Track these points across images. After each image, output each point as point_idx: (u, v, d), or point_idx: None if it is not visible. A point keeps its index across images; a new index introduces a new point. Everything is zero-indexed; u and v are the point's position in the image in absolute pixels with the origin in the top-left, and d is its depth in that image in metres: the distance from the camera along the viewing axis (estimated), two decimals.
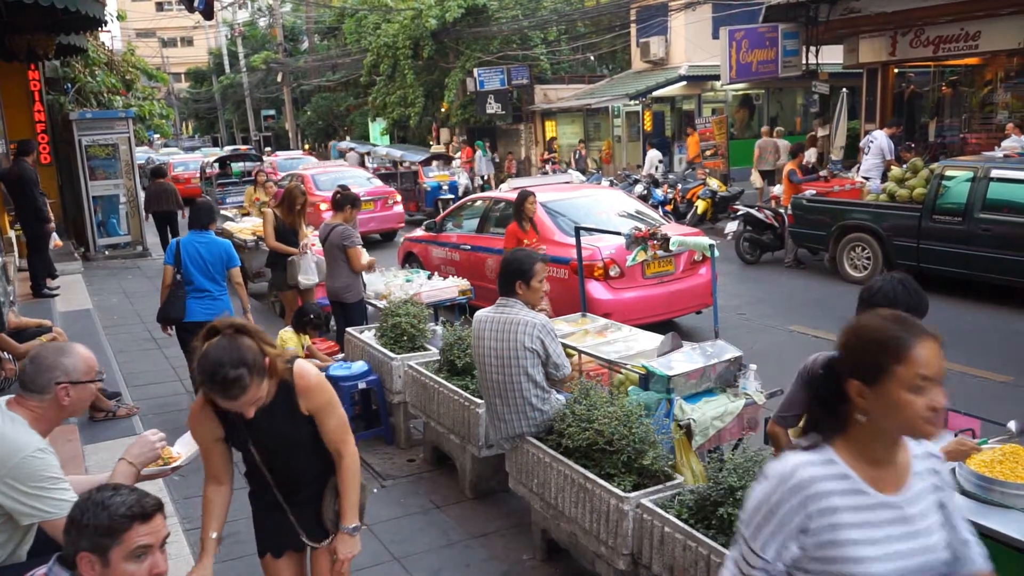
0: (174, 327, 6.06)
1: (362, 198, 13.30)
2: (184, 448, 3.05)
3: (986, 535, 2.90)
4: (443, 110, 27.97)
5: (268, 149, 34.94)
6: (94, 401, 5.26)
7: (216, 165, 19.74)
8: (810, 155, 14.12)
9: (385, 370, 5.61)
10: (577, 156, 22.45)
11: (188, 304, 5.87)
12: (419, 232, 10.06)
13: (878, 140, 12.47)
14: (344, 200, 6.76)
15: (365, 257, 6.69)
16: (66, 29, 10.62)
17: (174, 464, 2.97)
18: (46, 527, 2.60)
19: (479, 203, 9.65)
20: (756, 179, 17.04)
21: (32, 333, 5.86)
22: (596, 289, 7.29)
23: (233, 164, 19.87)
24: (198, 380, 2.54)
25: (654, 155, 18.50)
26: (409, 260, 10.08)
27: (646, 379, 4.15)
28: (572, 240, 7.44)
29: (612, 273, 7.28)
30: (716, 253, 5.28)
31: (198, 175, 23.75)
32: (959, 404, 4.34)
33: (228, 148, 33.06)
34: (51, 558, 2.07)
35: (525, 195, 7.52)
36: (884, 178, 11.82)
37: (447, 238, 9.39)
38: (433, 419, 5.11)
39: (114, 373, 6.60)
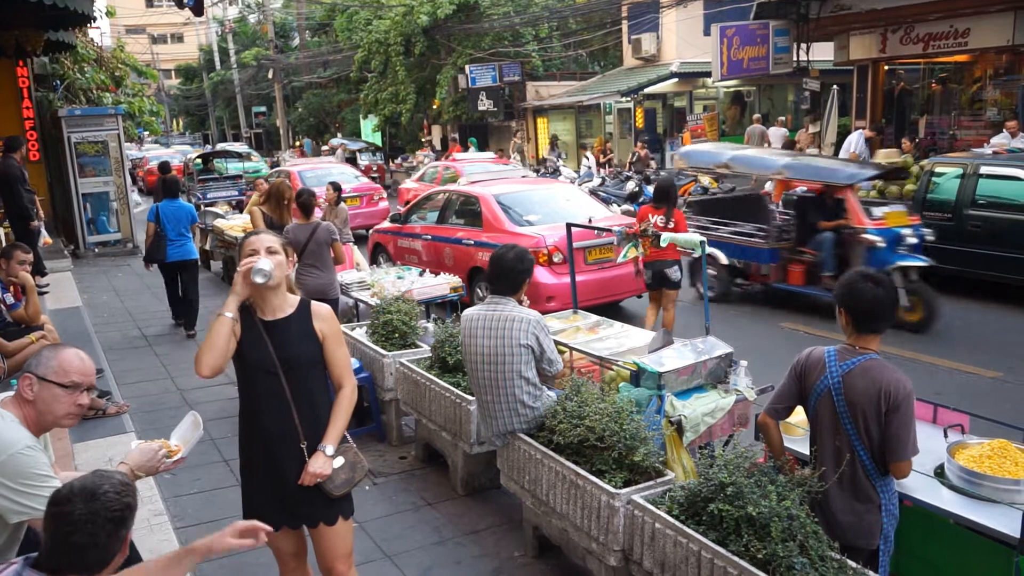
0: (156, 266, 8.45)
1: (349, 194, 13.54)
2: (181, 440, 2.98)
3: (974, 529, 2.93)
4: (435, 107, 27.91)
5: (327, 146, 28.39)
6: None
7: (200, 162, 19.30)
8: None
9: (377, 367, 5.61)
10: (635, 158, 19.42)
11: (166, 249, 8.27)
12: (386, 224, 10.62)
13: (851, 135, 13.19)
14: (310, 203, 6.73)
15: (357, 254, 6.66)
16: (55, 25, 10.56)
17: (176, 457, 2.88)
18: (35, 526, 2.58)
19: (441, 196, 10.12)
20: None
21: (22, 330, 5.83)
22: (541, 274, 7.67)
23: (218, 161, 19.72)
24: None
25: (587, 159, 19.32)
26: (377, 250, 10.60)
27: (637, 375, 4.15)
28: (521, 231, 8.34)
29: (555, 259, 7.94)
30: (706, 250, 5.29)
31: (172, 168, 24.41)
32: (949, 399, 4.37)
33: (238, 145, 32.01)
34: (18, 560, 2.02)
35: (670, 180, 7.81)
36: None
37: (411, 229, 9.83)
38: (425, 416, 5.11)
39: (104, 371, 6.56)
